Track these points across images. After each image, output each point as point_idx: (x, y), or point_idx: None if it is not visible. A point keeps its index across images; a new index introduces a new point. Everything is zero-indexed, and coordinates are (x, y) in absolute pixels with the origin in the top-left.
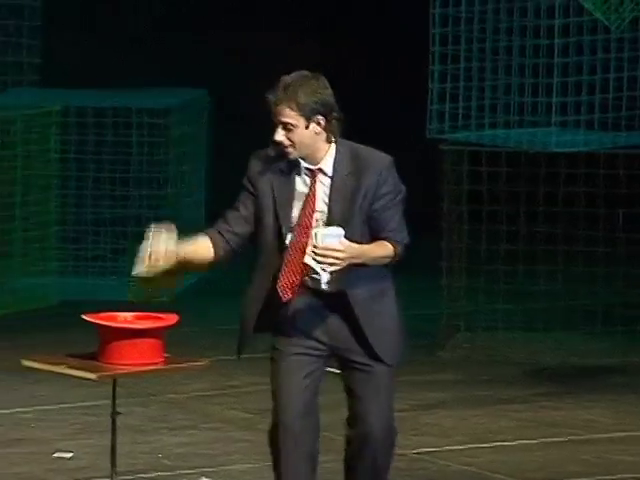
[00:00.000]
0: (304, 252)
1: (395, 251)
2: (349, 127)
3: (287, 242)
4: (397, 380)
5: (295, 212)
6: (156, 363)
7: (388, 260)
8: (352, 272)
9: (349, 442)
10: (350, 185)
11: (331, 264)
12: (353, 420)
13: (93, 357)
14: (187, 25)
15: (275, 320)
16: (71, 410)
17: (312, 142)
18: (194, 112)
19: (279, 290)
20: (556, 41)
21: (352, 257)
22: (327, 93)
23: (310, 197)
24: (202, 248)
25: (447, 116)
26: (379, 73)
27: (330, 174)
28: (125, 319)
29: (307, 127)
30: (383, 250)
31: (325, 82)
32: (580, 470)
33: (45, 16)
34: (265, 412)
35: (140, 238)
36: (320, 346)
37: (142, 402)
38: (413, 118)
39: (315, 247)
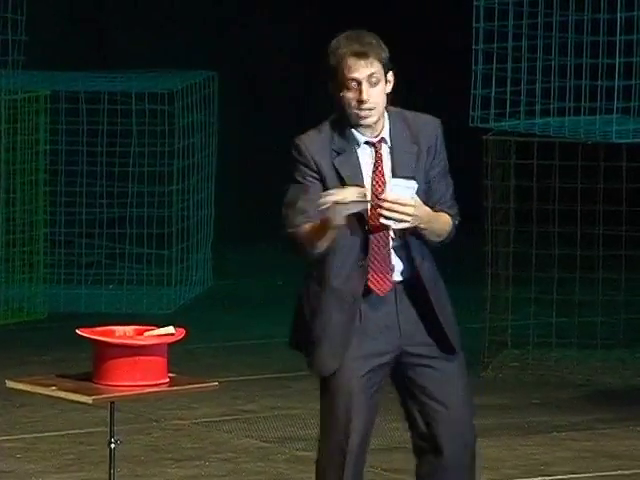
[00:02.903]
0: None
1: (451, 226)
2: None
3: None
4: None
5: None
6: (159, 384)
7: (445, 236)
8: (417, 250)
9: (430, 461)
10: (411, 152)
11: (399, 220)
12: (429, 430)
13: (88, 378)
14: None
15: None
16: (62, 438)
17: (383, 104)
18: (202, 97)
19: (373, 284)
20: (618, 15)
21: (421, 217)
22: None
23: (379, 171)
24: None
25: (493, 102)
26: (415, 52)
27: (390, 144)
28: (124, 334)
29: (386, 83)
30: (445, 221)
31: None
32: None
33: None
34: (284, 441)
35: (140, 241)
36: (389, 350)
37: (143, 429)
38: (453, 103)
39: (384, 199)
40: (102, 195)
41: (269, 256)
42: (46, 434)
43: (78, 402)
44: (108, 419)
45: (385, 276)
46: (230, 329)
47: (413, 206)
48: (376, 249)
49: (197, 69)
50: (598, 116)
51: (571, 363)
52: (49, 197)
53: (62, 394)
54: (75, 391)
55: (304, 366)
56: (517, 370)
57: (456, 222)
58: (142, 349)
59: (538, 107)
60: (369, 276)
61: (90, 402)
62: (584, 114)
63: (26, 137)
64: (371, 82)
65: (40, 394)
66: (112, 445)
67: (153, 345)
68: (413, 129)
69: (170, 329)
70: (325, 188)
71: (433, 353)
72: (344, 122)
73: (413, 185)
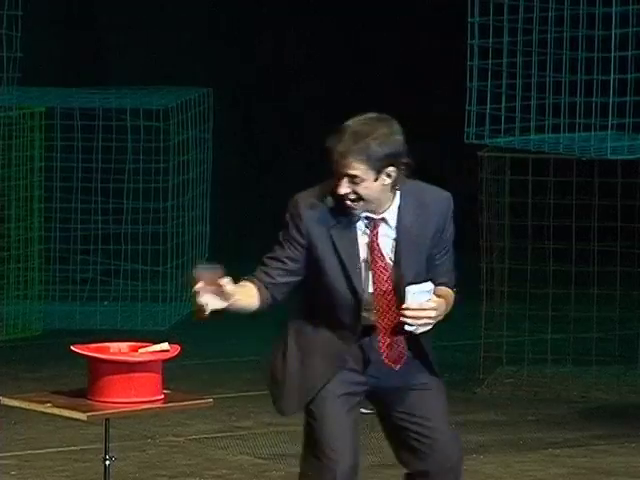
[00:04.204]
0: (391, 309)
1: (453, 300)
2: None
3: (364, 299)
4: None
5: (363, 266)
6: (154, 401)
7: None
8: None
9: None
10: (416, 235)
11: (423, 324)
12: (420, 448)
13: (82, 394)
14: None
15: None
16: (57, 455)
17: (379, 195)
18: (197, 114)
19: (386, 360)
20: (613, 31)
21: (440, 314)
22: (399, 140)
23: (375, 248)
24: (249, 296)
25: (488, 118)
26: (410, 68)
27: (394, 225)
28: (119, 350)
29: (376, 180)
30: (451, 301)
31: (396, 126)
32: None
33: (27, 4)
34: (279, 457)
35: (135, 257)
36: (364, 380)
37: (138, 446)
38: (449, 120)
39: (408, 308)
40: (97, 211)
41: None
42: (41, 451)
43: (73, 419)
44: (103, 436)
45: (400, 351)
46: (225, 345)
47: (435, 309)
48: (382, 320)
49: (192, 85)
50: (593, 133)
51: (566, 379)
52: (44, 213)
53: (57, 411)
54: (70, 408)
55: None
56: (512, 386)
57: (456, 293)
58: (137, 366)
59: (533, 123)
60: (380, 351)
61: (85, 419)
62: (579, 131)
63: (21, 154)
64: (352, 180)
65: (35, 411)
66: (107, 462)
67: (148, 362)
68: (424, 211)
69: (165, 345)
70: (314, 257)
71: (421, 379)
72: None
73: (429, 288)
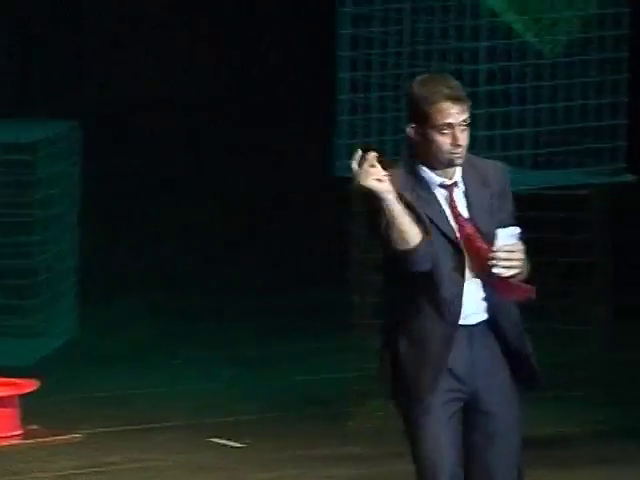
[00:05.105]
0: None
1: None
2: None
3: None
4: (297, 455)
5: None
6: (12, 437)
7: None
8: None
9: None
10: (483, 194)
11: (513, 267)
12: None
13: None
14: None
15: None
16: None
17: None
18: (64, 147)
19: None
20: (480, 67)
21: (524, 263)
22: None
23: (455, 211)
24: (413, 227)
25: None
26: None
27: (463, 190)
28: None
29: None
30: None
31: None
32: None
33: None
34: None
35: (2, 292)
36: (462, 388)
37: None
38: (320, 151)
39: (499, 249)
40: None
41: (134, 309)
42: None
43: None
44: None
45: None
46: (91, 381)
47: (521, 250)
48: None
49: (59, 118)
50: None
51: None
52: None
53: None
54: None
55: (167, 417)
56: (382, 420)
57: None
58: None
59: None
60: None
61: None
62: None
63: None
64: (464, 129)
65: None
66: None
67: (3, 397)
68: (482, 173)
69: (25, 380)
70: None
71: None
72: (417, 164)
73: (516, 231)
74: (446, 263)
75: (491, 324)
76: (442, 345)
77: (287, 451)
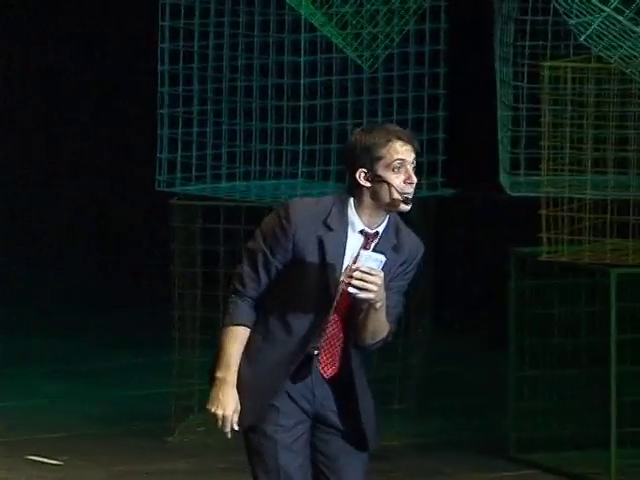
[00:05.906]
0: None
1: (385, 336)
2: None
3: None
4: (117, 470)
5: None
6: None
7: (378, 340)
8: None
9: None
10: (391, 259)
11: (367, 289)
12: None
13: None
14: None
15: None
16: None
17: None
18: None
19: (320, 367)
20: (302, 81)
21: (382, 293)
22: None
23: (356, 261)
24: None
25: (179, 166)
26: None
27: (377, 241)
28: None
29: None
30: (386, 327)
31: None
32: None
33: None
34: None
35: None
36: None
37: None
38: (142, 165)
39: (356, 268)
40: None
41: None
42: None
43: None
44: None
45: (334, 363)
46: None
47: (380, 277)
48: (330, 333)
49: None
50: (283, 180)
51: None
52: None
53: None
54: None
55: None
56: (203, 435)
57: (389, 338)
58: None
59: (224, 171)
60: (320, 358)
61: None
62: (270, 178)
63: None
64: (414, 165)
65: None
66: None
67: None
68: (402, 240)
69: None
70: (296, 258)
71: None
72: (347, 205)
73: (382, 259)
74: (310, 303)
75: (343, 379)
76: (281, 373)
77: (108, 467)
